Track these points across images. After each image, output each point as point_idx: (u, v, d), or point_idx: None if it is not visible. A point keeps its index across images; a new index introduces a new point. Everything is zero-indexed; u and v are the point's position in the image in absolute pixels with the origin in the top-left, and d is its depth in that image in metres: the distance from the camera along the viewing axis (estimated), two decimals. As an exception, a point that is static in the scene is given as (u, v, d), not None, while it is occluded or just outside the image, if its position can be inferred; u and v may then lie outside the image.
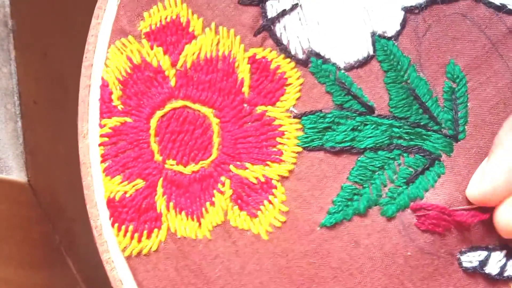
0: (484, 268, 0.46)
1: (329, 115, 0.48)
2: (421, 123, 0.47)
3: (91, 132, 0.50)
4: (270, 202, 0.47)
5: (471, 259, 0.47)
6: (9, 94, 0.66)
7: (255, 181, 0.48)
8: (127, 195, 0.49)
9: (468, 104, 0.47)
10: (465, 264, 0.46)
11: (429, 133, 0.47)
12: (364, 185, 0.47)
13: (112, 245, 0.49)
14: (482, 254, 0.47)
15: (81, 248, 0.79)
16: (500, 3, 0.48)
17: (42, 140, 0.71)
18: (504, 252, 0.47)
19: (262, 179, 0.48)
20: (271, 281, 0.47)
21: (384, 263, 0.46)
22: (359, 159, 0.47)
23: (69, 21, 0.75)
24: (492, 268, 0.47)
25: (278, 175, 0.48)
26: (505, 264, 0.47)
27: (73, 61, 0.79)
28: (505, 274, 0.47)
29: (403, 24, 0.48)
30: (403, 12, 0.48)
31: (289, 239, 0.47)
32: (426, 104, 0.47)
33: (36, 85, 0.71)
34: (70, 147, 0.79)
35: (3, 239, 0.66)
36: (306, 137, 0.48)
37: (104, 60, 0.51)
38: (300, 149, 0.48)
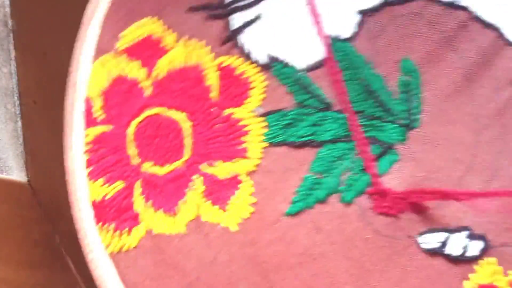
0: (443, 249, 0.48)
1: (291, 113, 0.51)
2: (376, 115, 0.50)
3: (77, 142, 0.54)
4: (238, 195, 0.50)
5: (429, 240, 0.48)
6: (9, 94, 0.66)
7: (224, 177, 0.51)
8: (107, 197, 0.52)
9: (422, 95, 0.50)
10: (423, 246, 0.48)
11: (383, 124, 0.50)
12: (324, 175, 0.50)
13: (95, 245, 0.52)
14: (442, 235, 0.48)
15: (81, 248, 0.79)
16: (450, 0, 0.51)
17: (42, 140, 0.71)
18: (465, 233, 0.48)
19: (231, 175, 0.51)
20: (241, 270, 0.49)
21: (345, 246, 0.48)
22: (319, 151, 0.50)
23: (69, 21, 0.76)
24: (453, 249, 0.48)
25: (246, 170, 0.51)
26: (466, 245, 0.48)
27: (73, 61, 0.80)
28: (467, 254, 0.48)
29: (360, 26, 0.51)
30: (359, 15, 0.52)
31: (257, 229, 0.49)
32: (381, 97, 0.50)
33: (36, 85, 0.71)
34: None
35: (3, 239, 0.66)
36: (271, 134, 0.51)
37: (88, 77, 0.55)
38: (265, 144, 0.51)
